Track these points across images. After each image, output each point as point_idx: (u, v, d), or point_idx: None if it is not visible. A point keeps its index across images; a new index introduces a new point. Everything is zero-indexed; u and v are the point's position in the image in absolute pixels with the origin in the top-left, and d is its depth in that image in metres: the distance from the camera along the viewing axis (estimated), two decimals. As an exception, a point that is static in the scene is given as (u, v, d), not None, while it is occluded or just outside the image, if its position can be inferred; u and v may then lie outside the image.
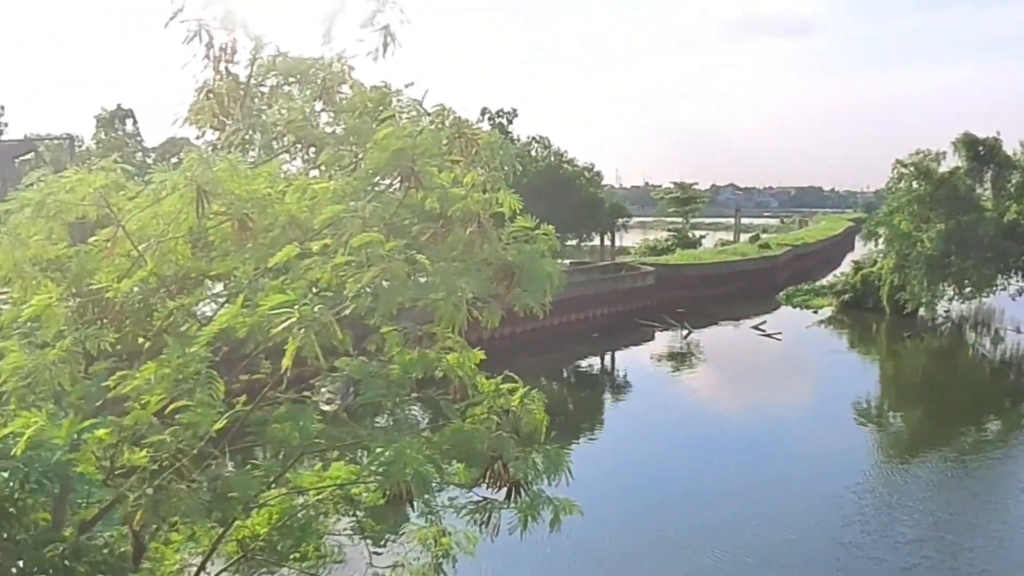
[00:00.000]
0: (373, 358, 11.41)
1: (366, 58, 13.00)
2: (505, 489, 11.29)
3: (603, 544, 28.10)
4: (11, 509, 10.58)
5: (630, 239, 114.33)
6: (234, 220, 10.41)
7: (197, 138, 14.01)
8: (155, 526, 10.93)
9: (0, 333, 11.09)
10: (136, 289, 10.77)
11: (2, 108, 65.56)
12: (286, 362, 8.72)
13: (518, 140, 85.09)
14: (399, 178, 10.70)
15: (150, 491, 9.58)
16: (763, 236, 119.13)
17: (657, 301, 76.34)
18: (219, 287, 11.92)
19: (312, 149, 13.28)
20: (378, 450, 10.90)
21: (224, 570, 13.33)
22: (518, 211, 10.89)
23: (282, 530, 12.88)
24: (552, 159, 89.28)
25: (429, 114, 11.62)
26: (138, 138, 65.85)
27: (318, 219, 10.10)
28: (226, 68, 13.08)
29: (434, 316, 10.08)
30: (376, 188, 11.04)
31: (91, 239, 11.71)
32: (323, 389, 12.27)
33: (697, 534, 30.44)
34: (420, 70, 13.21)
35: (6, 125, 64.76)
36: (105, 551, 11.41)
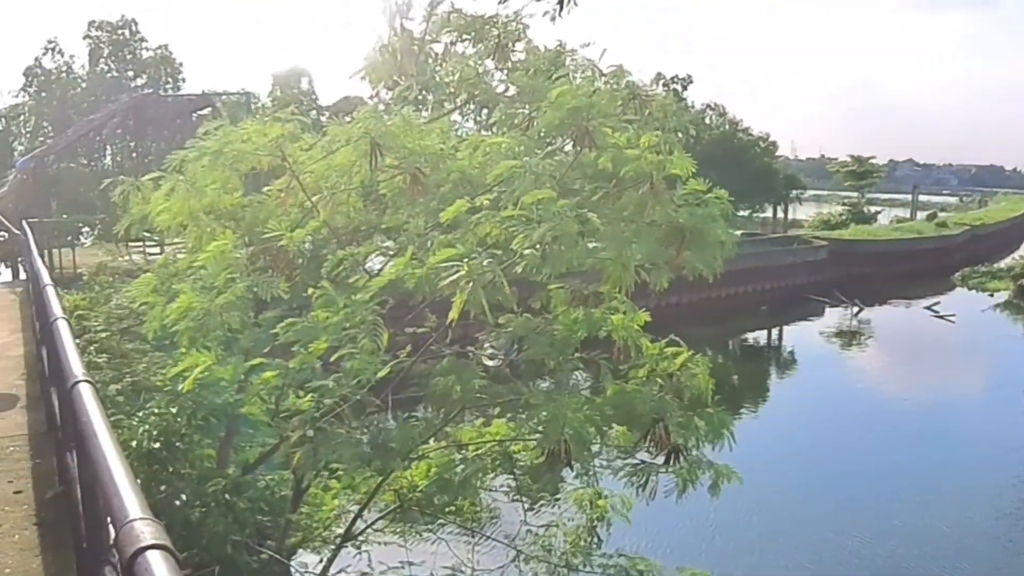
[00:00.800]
0: (538, 315, 11.36)
1: (542, 18, 12.96)
2: (664, 454, 11.15)
3: (753, 517, 27.63)
4: (178, 444, 10.89)
5: (804, 212, 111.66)
6: (406, 174, 10.47)
7: (371, 97, 14.16)
8: (315, 471, 11.08)
9: (175, 278, 11.37)
10: (308, 239, 10.90)
11: (181, 64, 66.86)
12: (453, 314, 8.69)
13: (692, 107, 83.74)
14: (572, 138, 10.63)
15: (310, 432, 9.69)
16: (941, 215, 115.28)
17: (828, 276, 74.25)
18: (388, 242, 12.01)
19: (485, 111, 13.30)
20: (538, 408, 10.86)
21: (380, 518, 13.48)
22: (691, 175, 10.70)
23: (440, 483, 12.91)
24: (727, 127, 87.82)
25: (604, 75, 11.51)
26: (313, 96, 66.52)
27: (491, 174, 10.05)
28: (401, 24, 13.14)
29: (602, 276, 10.01)
30: (549, 147, 10.97)
31: (265, 189, 11.91)
32: (487, 345, 12.29)
33: (846, 514, 29.67)
34: (596, 32, 13.09)
35: (184, 80, 66.17)
36: (267, 492, 11.68)
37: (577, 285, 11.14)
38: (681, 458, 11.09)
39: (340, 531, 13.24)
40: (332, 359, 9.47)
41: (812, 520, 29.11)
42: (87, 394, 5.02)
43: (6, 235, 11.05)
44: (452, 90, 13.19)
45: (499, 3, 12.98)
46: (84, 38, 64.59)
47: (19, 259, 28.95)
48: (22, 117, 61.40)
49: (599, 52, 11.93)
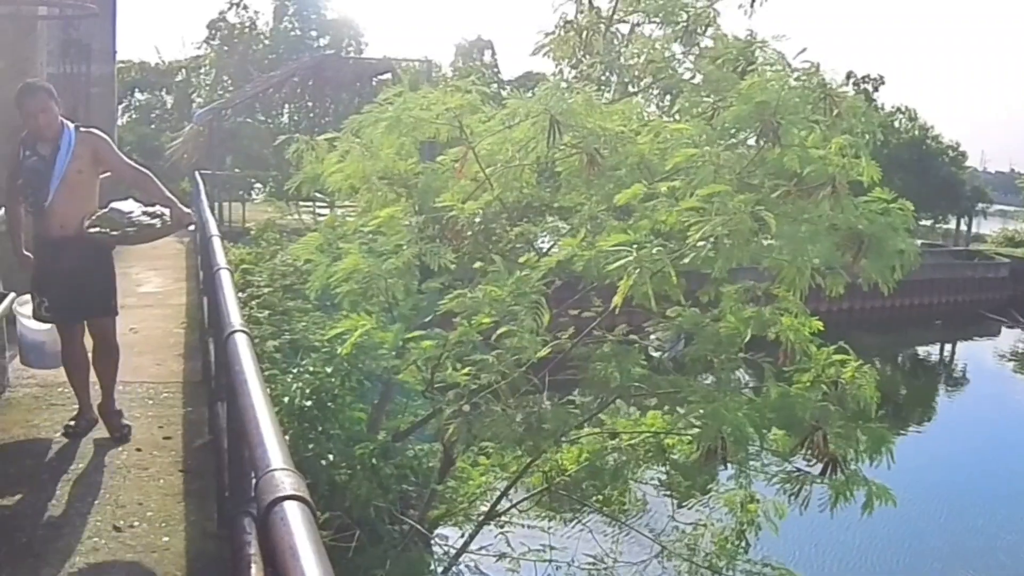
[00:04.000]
0: (706, 310, 11.12)
1: (735, 9, 12.75)
2: (821, 464, 10.85)
3: (899, 539, 26.89)
4: (330, 404, 10.96)
5: (988, 227, 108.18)
6: (583, 154, 10.31)
7: (553, 74, 14.12)
8: (465, 445, 11.03)
9: (342, 239, 11.44)
10: (480, 212, 10.83)
11: (364, 28, 67.49)
12: (617, 299, 8.54)
13: (882, 109, 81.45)
14: (756, 133, 10.36)
15: (466, 408, 9.64)
16: None
17: (1008, 295, 71.52)
18: (560, 222, 11.92)
19: (668, 97, 13.13)
20: (698, 403, 10.65)
21: (525, 499, 13.41)
22: (876, 183, 10.36)
23: (589, 470, 12.77)
24: (916, 132, 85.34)
25: (795, 70, 11.20)
26: (495, 69, 66.53)
27: (671, 160, 9.86)
28: (589, 1, 13.03)
29: (775, 276, 9.76)
30: (731, 139, 10.73)
31: (439, 158, 11.91)
32: (652, 336, 12.11)
33: (996, 548, 28.76)
34: (789, 26, 12.81)
35: (367, 44, 66.61)
36: (414, 462, 11.70)
37: (748, 282, 10.89)
38: (838, 470, 10.79)
39: (484, 508, 13.19)
40: (494, 337, 9.38)
41: (960, 549, 28.32)
42: (242, 344, 5.02)
43: (166, 214, 9.13)
44: (636, 72, 13.04)
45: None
46: (270, -6, 65.43)
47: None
48: (203, 69, 62.68)
49: (790, 46, 11.63)
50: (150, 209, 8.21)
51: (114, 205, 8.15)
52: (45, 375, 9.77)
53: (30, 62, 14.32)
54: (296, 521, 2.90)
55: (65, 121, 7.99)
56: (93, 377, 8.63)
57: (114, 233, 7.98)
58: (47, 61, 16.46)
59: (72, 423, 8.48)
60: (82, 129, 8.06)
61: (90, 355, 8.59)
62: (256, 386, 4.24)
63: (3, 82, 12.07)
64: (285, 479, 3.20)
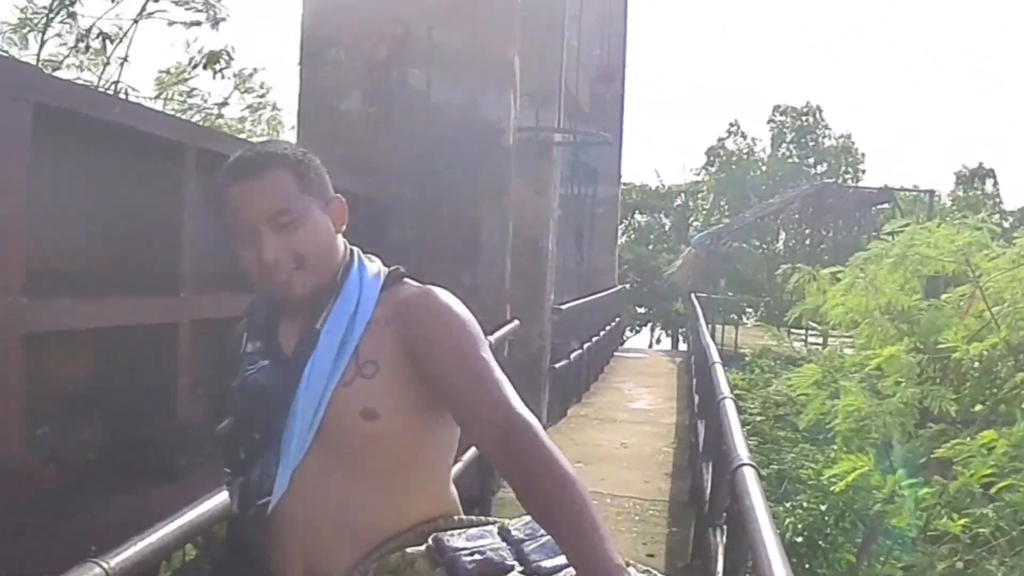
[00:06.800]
0: None
1: None
2: None
3: None
4: (820, 543, 10.78)
5: None
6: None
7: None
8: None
9: (839, 372, 11.30)
10: (984, 353, 10.42)
11: (862, 155, 66.28)
12: None
13: None
14: None
15: (959, 564, 9.19)
16: None
17: None
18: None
19: None
20: None
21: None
22: None
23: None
24: None
25: None
26: (997, 199, 63.85)
27: None
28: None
29: None
30: None
31: (943, 295, 11.58)
32: None
33: None
34: None
35: (864, 172, 65.52)
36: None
37: None
38: None
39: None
40: (994, 489, 8.92)
41: None
42: (751, 478, 4.93)
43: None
44: None
45: None
46: (768, 122, 66.00)
47: (680, 330, 29.75)
48: (701, 194, 64.05)
49: None
50: (534, 549, 2.21)
51: (445, 539, 2.27)
52: None
53: (544, 183, 15.16)
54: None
55: (361, 256, 2.54)
56: None
57: None
58: (558, 183, 17.41)
59: None
60: (414, 284, 2.50)
61: None
62: (767, 526, 4.10)
63: (523, 201, 12.67)
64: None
